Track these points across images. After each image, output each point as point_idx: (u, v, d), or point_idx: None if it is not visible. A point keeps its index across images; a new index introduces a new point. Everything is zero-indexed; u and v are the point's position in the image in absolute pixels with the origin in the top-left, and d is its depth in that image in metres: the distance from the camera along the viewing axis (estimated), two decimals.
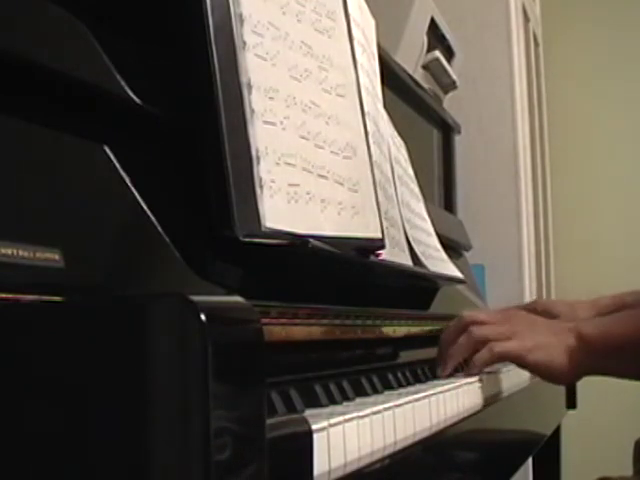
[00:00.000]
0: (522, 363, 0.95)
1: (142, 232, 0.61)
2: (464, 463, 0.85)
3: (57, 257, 0.50)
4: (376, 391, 0.79)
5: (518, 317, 1.02)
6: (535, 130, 2.61)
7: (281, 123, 0.75)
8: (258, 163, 0.71)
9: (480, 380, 0.94)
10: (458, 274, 1.29)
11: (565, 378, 0.98)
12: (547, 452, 1.65)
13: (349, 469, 0.55)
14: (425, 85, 1.77)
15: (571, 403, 1.57)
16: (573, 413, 1.60)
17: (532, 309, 1.20)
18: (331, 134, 0.84)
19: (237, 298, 0.44)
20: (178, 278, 0.62)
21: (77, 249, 0.53)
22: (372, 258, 0.90)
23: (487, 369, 0.98)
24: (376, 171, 0.95)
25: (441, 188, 1.84)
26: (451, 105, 2.01)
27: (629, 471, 1.37)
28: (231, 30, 0.72)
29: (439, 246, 1.29)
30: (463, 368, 1.00)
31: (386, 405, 0.64)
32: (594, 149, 3.03)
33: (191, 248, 0.64)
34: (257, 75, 0.73)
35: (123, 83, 0.64)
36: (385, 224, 0.95)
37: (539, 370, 0.96)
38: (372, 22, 1.11)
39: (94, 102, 0.62)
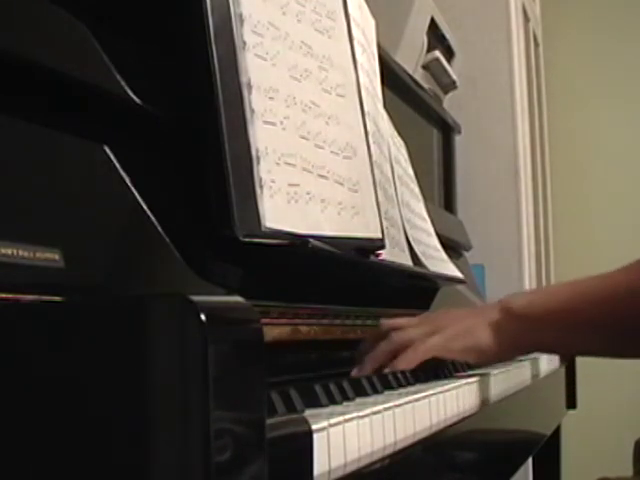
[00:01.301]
0: (449, 354, 0.90)
1: (142, 232, 0.61)
2: (464, 463, 0.85)
3: (57, 257, 0.50)
4: (376, 391, 0.79)
5: (439, 315, 0.97)
6: (535, 130, 2.61)
7: (281, 123, 0.75)
8: (258, 163, 0.71)
9: (480, 380, 0.94)
10: (458, 274, 1.29)
11: (496, 356, 0.93)
12: (547, 452, 1.65)
13: (349, 469, 0.55)
14: (425, 85, 1.77)
15: (571, 403, 1.57)
16: (573, 413, 1.59)
17: None
18: (331, 134, 0.84)
19: (237, 298, 0.44)
20: (178, 278, 0.62)
21: (77, 249, 0.53)
22: (372, 258, 0.90)
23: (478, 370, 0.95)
24: (376, 171, 0.95)
25: (441, 188, 1.84)
26: (451, 105, 2.01)
27: (629, 471, 1.37)
28: (231, 30, 0.72)
29: (439, 246, 1.29)
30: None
31: (386, 405, 0.64)
32: (594, 149, 3.03)
33: (191, 248, 0.64)
34: (257, 75, 0.73)
35: (123, 83, 0.64)
36: (385, 224, 0.95)
37: (468, 355, 0.91)
38: (372, 22, 1.11)
39: (94, 102, 0.62)
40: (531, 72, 2.59)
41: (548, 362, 1.40)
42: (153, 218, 0.62)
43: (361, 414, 0.58)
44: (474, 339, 0.90)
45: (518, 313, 0.90)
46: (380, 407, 0.62)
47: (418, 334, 0.90)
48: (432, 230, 1.28)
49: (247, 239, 0.66)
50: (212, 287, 0.64)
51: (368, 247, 0.89)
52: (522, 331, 0.90)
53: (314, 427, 0.50)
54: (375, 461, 0.59)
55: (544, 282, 2.62)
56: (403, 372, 0.91)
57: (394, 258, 1.00)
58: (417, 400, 0.70)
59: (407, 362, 0.88)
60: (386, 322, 0.94)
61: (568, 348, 0.95)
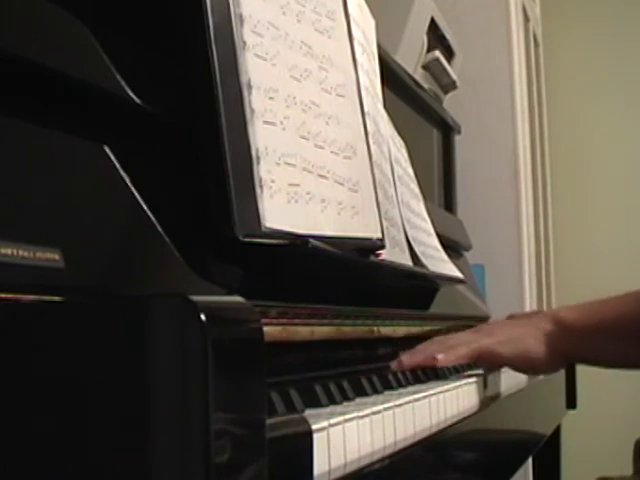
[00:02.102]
0: (498, 359, 0.92)
1: (142, 232, 0.61)
2: (464, 463, 0.85)
3: (57, 257, 0.50)
4: (376, 391, 0.79)
5: (490, 324, 0.99)
6: (535, 130, 2.61)
7: (281, 123, 0.75)
8: (258, 163, 0.71)
9: (480, 380, 0.94)
10: (458, 274, 1.29)
11: (544, 366, 0.94)
12: (547, 452, 1.65)
13: (349, 469, 0.55)
14: (425, 85, 1.77)
15: (571, 403, 1.57)
16: (573, 413, 1.59)
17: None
18: (331, 134, 0.84)
19: (237, 298, 0.44)
20: (178, 278, 0.62)
21: (77, 249, 0.53)
22: (372, 258, 0.90)
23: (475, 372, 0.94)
24: (376, 171, 0.95)
25: (441, 188, 1.84)
26: (451, 105, 2.01)
27: (629, 471, 1.37)
28: (231, 30, 0.72)
29: (439, 246, 1.29)
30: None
31: (386, 405, 0.64)
32: (594, 149, 3.03)
33: (191, 248, 0.64)
34: (257, 75, 0.73)
35: (123, 83, 0.64)
36: (385, 224, 0.95)
37: (517, 362, 0.92)
38: (372, 22, 1.11)
39: (94, 102, 0.62)
40: (531, 72, 2.59)
41: None
42: (153, 218, 0.62)
43: (361, 414, 0.58)
44: (524, 346, 0.91)
45: (569, 325, 0.91)
46: (380, 407, 0.62)
47: (468, 337, 0.92)
48: (432, 230, 1.28)
49: (247, 239, 0.66)
50: (212, 287, 0.64)
51: (368, 247, 0.89)
52: (573, 343, 0.91)
53: (314, 427, 0.50)
54: (375, 461, 0.60)
55: (544, 282, 2.62)
56: (403, 372, 0.91)
57: (394, 258, 1.00)
58: (417, 400, 0.70)
59: (456, 355, 0.89)
60: (437, 338, 0.96)
61: (619, 361, 0.95)
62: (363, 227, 0.87)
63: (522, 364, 0.93)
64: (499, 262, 2.18)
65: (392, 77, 1.38)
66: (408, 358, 0.89)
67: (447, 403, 0.78)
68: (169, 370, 0.38)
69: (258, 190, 0.70)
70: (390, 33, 1.61)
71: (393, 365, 0.88)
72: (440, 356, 0.88)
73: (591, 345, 0.92)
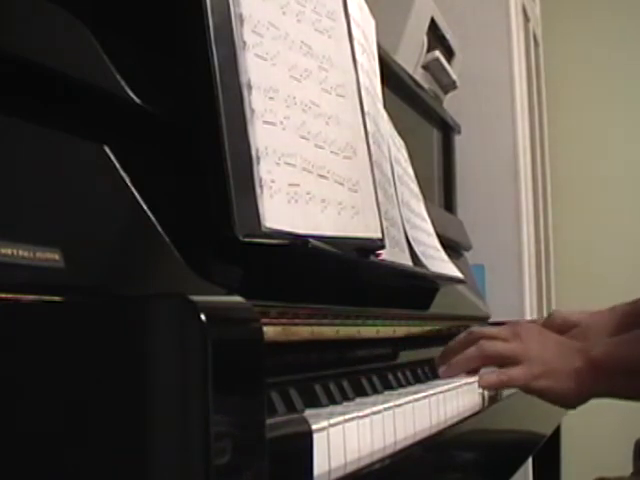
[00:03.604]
0: (527, 390, 0.95)
1: (142, 232, 0.61)
2: (464, 463, 0.85)
3: (57, 257, 0.50)
4: (376, 391, 0.79)
5: (529, 333, 0.99)
6: (535, 130, 2.61)
7: (281, 123, 0.75)
8: (258, 163, 0.71)
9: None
10: (458, 274, 1.29)
11: (571, 403, 0.97)
12: (547, 452, 1.65)
13: (349, 469, 0.55)
14: (425, 85, 1.77)
15: None
16: (573, 413, 1.59)
17: (549, 322, 1.19)
18: (331, 134, 0.84)
19: (237, 298, 0.44)
20: (178, 278, 0.62)
21: (77, 249, 0.53)
22: (372, 258, 0.90)
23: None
24: (376, 171, 0.95)
25: (441, 188, 1.84)
26: (451, 105, 2.01)
27: (629, 471, 1.37)
28: (231, 30, 0.72)
29: (439, 246, 1.29)
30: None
31: (386, 405, 0.64)
32: (594, 149, 3.03)
33: (191, 248, 0.64)
34: (257, 75, 0.73)
35: (123, 83, 0.64)
36: (385, 224, 0.95)
37: (545, 397, 0.95)
38: (372, 22, 1.11)
39: (94, 102, 0.62)
40: (531, 72, 2.59)
41: None
42: (153, 218, 0.62)
43: (361, 414, 0.58)
44: (556, 383, 0.93)
45: (603, 367, 0.93)
46: (380, 407, 0.62)
47: (506, 352, 0.95)
48: (432, 230, 1.28)
49: (247, 239, 0.66)
50: (212, 287, 0.64)
51: (368, 247, 0.89)
52: (603, 383, 0.93)
53: (314, 427, 0.50)
54: (375, 461, 0.59)
55: (544, 282, 2.62)
56: (403, 372, 0.91)
57: (394, 258, 1.00)
58: (417, 400, 0.70)
59: (488, 384, 0.93)
60: (478, 329, 1.00)
61: None
62: (363, 227, 0.87)
63: (550, 399, 0.96)
64: (499, 262, 2.18)
65: (392, 77, 1.38)
66: (448, 369, 0.95)
67: (447, 403, 0.78)
68: (169, 370, 0.38)
69: (258, 190, 0.70)
70: (390, 33, 1.61)
71: (440, 371, 0.95)
72: (482, 383, 0.93)
73: (621, 384, 0.95)
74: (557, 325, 1.15)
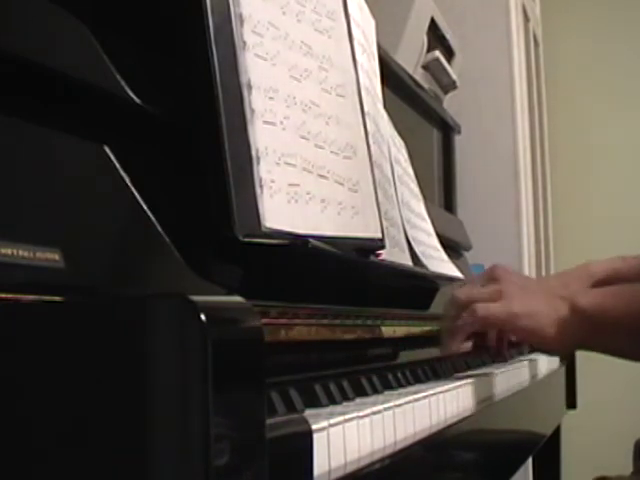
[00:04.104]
0: (510, 328, 0.92)
1: (142, 232, 0.61)
2: (464, 463, 0.85)
3: (57, 257, 0.50)
4: (376, 391, 0.79)
5: (507, 274, 0.98)
6: (535, 130, 2.61)
7: (281, 123, 0.75)
8: (258, 163, 0.71)
9: (480, 380, 0.94)
10: (458, 274, 1.29)
11: (555, 347, 0.94)
12: (547, 452, 1.65)
13: (349, 469, 0.55)
14: (425, 85, 1.77)
15: (571, 403, 1.57)
16: (573, 413, 1.60)
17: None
18: (331, 134, 0.84)
19: (237, 298, 0.44)
20: (178, 278, 0.62)
21: (77, 249, 0.53)
22: (372, 258, 0.90)
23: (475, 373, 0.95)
24: (376, 171, 0.95)
25: (441, 188, 1.84)
26: (451, 105, 2.01)
27: (629, 472, 1.37)
28: (231, 30, 0.72)
29: (439, 246, 1.29)
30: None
31: (386, 405, 0.64)
32: (594, 149, 3.03)
33: (191, 248, 0.64)
34: (257, 75, 0.73)
35: (123, 83, 0.64)
36: (385, 224, 0.95)
37: (529, 336, 0.92)
38: (372, 22, 1.11)
39: (94, 102, 0.62)
40: (531, 72, 2.59)
41: (548, 362, 1.40)
42: (153, 218, 0.62)
43: (361, 414, 0.58)
44: (539, 325, 0.90)
45: (588, 314, 0.89)
46: (380, 407, 0.62)
47: (484, 295, 0.92)
48: (432, 230, 1.28)
49: (247, 239, 0.66)
50: (212, 287, 0.64)
51: (368, 247, 0.89)
52: (586, 333, 0.90)
53: (314, 427, 0.50)
54: (375, 461, 0.60)
55: None
56: (403, 372, 0.91)
57: (394, 258, 1.00)
58: (417, 400, 0.70)
59: (469, 326, 0.91)
60: (460, 294, 0.96)
61: (632, 355, 0.94)
62: (363, 227, 0.87)
63: (534, 340, 0.93)
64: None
65: (392, 77, 1.38)
66: (452, 339, 0.93)
67: (447, 403, 0.78)
68: (169, 370, 0.38)
69: (258, 190, 0.70)
70: (390, 33, 1.61)
71: (444, 349, 0.95)
72: (453, 343, 0.91)
73: (605, 337, 0.91)
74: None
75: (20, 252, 0.48)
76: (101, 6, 0.67)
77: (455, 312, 0.95)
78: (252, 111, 0.71)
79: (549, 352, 1.01)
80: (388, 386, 0.83)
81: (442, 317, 0.97)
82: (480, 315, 0.90)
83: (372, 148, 0.94)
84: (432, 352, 1.03)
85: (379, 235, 0.90)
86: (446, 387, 0.80)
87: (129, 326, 0.39)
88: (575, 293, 0.93)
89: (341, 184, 0.84)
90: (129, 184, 0.61)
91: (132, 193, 0.61)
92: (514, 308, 0.90)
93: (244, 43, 0.72)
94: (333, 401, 0.70)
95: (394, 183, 1.10)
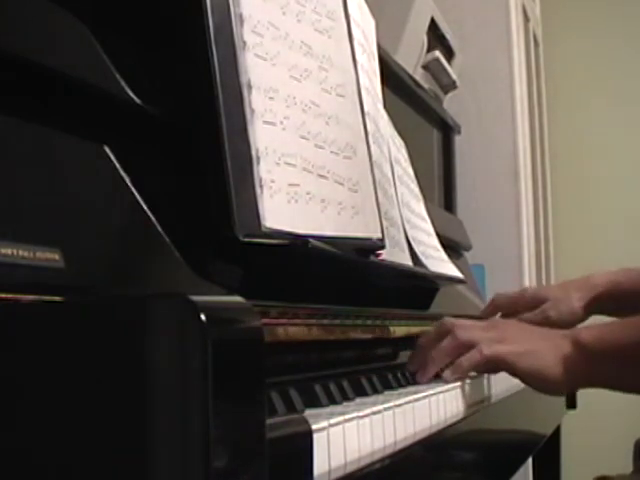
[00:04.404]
0: (512, 370, 0.87)
1: (142, 232, 0.61)
2: (464, 463, 0.85)
3: (57, 257, 0.50)
4: (376, 391, 0.79)
5: (507, 324, 0.94)
6: (535, 130, 2.61)
7: (281, 123, 0.75)
8: (258, 163, 0.71)
9: (480, 380, 0.94)
10: (458, 274, 1.29)
11: (559, 388, 0.90)
12: (547, 452, 1.65)
13: (349, 469, 0.55)
14: (425, 85, 1.77)
15: (571, 403, 1.57)
16: (573, 413, 1.59)
17: (520, 297, 1.16)
18: (331, 134, 0.84)
19: (237, 298, 0.44)
20: (178, 278, 0.62)
21: (77, 249, 0.53)
22: (372, 258, 0.90)
23: (470, 374, 0.90)
24: (376, 171, 0.95)
25: (441, 188, 1.84)
26: (451, 105, 2.01)
27: (629, 472, 1.37)
28: (231, 30, 0.72)
29: (439, 246, 1.29)
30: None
31: (386, 405, 0.64)
32: (594, 149, 3.03)
33: (191, 248, 0.64)
34: (257, 75, 0.73)
35: (123, 83, 0.64)
36: (385, 224, 0.95)
37: (531, 378, 0.88)
38: (372, 22, 1.11)
39: (94, 102, 0.62)
40: (531, 72, 2.59)
41: None
42: (153, 218, 0.62)
43: (361, 414, 0.58)
44: (541, 363, 0.86)
45: (588, 351, 0.86)
46: (380, 407, 0.62)
47: (484, 337, 0.87)
48: (432, 230, 1.28)
49: (247, 239, 0.66)
50: (212, 287, 0.64)
51: (368, 247, 0.88)
52: (591, 369, 0.87)
53: (314, 427, 0.50)
54: (375, 461, 0.59)
55: (544, 282, 2.62)
56: (403, 372, 0.91)
57: (394, 258, 1.00)
58: (417, 400, 0.70)
59: (470, 363, 0.86)
60: (449, 319, 0.91)
61: (636, 388, 0.92)
62: (363, 227, 0.87)
63: (536, 382, 0.88)
64: (499, 262, 2.18)
65: (392, 77, 1.38)
66: (424, 372, 0.87)
67: (447, 403, 0.78)
68: (169, 370, 0.38)
69: (258, 190, 0.70)
70: (390, 33, 1.61)
71: (418, 377, 0.88)
72: (448, 375, 0.85)
73: (609, 372, 0.88)
74: (527, 300, 1.11)
75: (20, 252, 0.48)
76: (101, 6, 0.67)
77: (440, 337, 0.89)
78: (252, 111, 0.71)
79: (552, 394, 0.96)
80: (388, 386, 0.83)
81: (420, 343, 0.91)
82: (486, 354, 0.86)
83: (372, 148, 0.94)
84: None
85: (379, 235, 0.90)
86: (446, 387, 0.80)
87: (129, 326, 0.39)
88: (577, 330, 0.90)
89: (341, 184, 0.84)
90: (129, 184, 0.61)
91: (132, 193, 0.61)
92: (518, 348, 0.87)
93: (244, 43, 0.72)
94: (333, 401, 0.70)
95: (394, 183, 1.10)
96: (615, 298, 1.13)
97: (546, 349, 0.87)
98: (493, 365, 0.88)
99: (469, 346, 0.87)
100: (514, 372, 0.88)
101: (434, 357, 0.88)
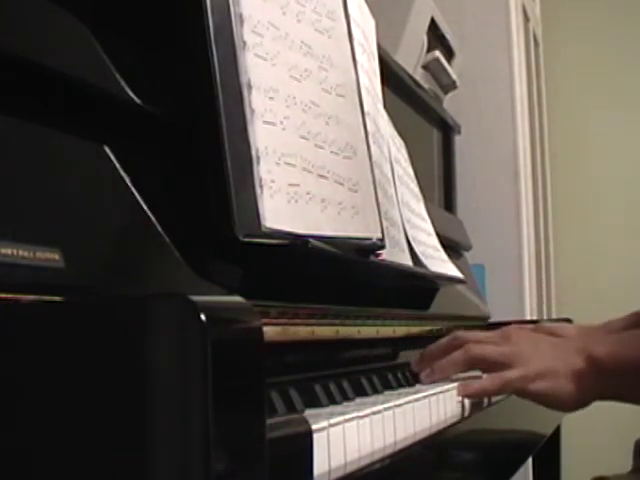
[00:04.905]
0: (524, 394, 0.87)
1: (142, 232, 0.61)
2: (464, 463, 0.85)
3: (57, 257, 0.50)
4: (376, 391, 0.79)
5: (520, 335, 0.93)
6: (535, 130, 2.61)
7: (281, 123, 0.75)
8: (258, 163, 0.71)
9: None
10: (458, 274, 1.29)
11: (572, 406, 0.88)
12: (547, 452, 1.65)
13: (349, 469, 0.55)
14: (425, 85, 1.77)
15: None
16: (573, 413, 1.59)
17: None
18: (331, 134, 0.84)
19: (237, 298, 0.44)
20: (178, 278, 0.62)
21: (77, 249, 0.53)
22: (372, 258, 0.90)
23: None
24: (376, 171, 0.95)
25: (441, 188, 1.84)
26: (451, 105, 2.01)
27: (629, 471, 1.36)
28: (231, 30, 0.72)
29: (439, 246, 1.29)
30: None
31: (386, 405, 0.64)
32: (594, 149, 3.03)
33: (191, 248, 0.64)
34: (257, 75, 0.73)
35: (123, 83, 0.64)
36: (385, 224, 0.95)
37: (545, 399, 0.87)
38: (372, 22, 1.11)
39: (94, 102, 0.62)
40: (531, 72, 2.59)
41: None
42: (153, 218, 0.62)
43: (361, 414, 0.58)
44: (555, 385, 0.86)
45: (604, 366, 0.86)
46: (380, 407, 0.62)
47: (495, 354, 0.88)
48: (432, 230, 1.28)
49: (247, 239, 0.66)
50: (212, 287, 0.64)
51: (368, 247, 0.89)
52: (605, 384, 0.86)
53: (314, 427, 0.50)
54: (375, 461, 0.59)
55: (544, 282, 2.62)
56: (403, 372, 0.91)
57: (394, 258, 1.00)
58: (417, 400, 0.70)
59: (482, 390, 0.86)
60: (462, 333, 0.92)
61: None
62: (363, 227, 0.87)
63: (550, 402, 0.88)
64: (499, 262, 2.18)
65: (392, 77, 1.38)
66: (429, 374, 0.88)
67: (447, 403, 0.78)
68: (169, 370, 0.38)
69: (258, 190, 0.70)
70: (390, 33, 1.61)
71: (422, 377, 0.89)
72: (461, 390, 0.84)
73: (623, 385, 0.87)
74: None
75: (20, 252, 0.48)
76: (101, 6, 0.67)
77: (451, 349, 0.90)
78: (252, 111, 0.71)
79: (565, 411, 0.95)
80: (388, 386, 0.83)
81: (430, 350, 0.92)
82: (497, 384, 0.86)
83: (372, 148, 0.94)
84: None
85: (379, 235, 0.90)
86: (446, 387, 0.80)
87: (129, 326, 0.39)
88: (590, 343, 0.89)
89: (341, 184, 0.84)
90: (129, 184, 0.61)
91: (132, 193, 0.61)
92: (529, 372, 0.86)
93: (244, 43, 0.72)
94: (333, 401, 0.70)
95: (394, 183, 1.10)
96: None
97: (558, 368, 0.86)
98: (504, 390, 0.88)
99: (479, 363, 0.88)
100: (527, 396, 0.87)
101: (442, 366, 0.88)
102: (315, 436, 0.50)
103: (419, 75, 1.78)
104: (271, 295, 0.70)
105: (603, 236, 2.96)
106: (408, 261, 1.08)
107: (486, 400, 0.91)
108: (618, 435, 2.08)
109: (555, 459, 1.75)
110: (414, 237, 1.15)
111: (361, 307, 0.89)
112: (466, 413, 0.84)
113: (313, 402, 0.67)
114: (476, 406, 0.88)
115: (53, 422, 0.40)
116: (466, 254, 1.74)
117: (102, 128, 0.61)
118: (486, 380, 0.87)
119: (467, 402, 0.85)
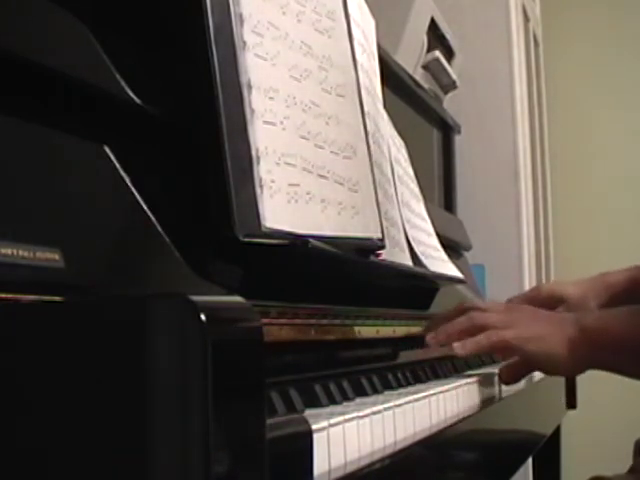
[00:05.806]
0: (520, 353, 0.93)
1: (142, 232, 0.61)
2: (464, 463, 0.84)
3: (57, 257, 0.50)
4: (376, 391, 0.79)
5: (520, 308, 1.01)
6: (535, 130, 2.61)
7: (281, 123, 0.75)
8: (258, 163, 0.71)
9: (480, 380, 0.94)
10: (458, 274, 1.29)
11: (565, 369, 0.95)
12: (547, 452, 1.65)
13: (349, 469, 0.55)
14: (425, 85, 1.77)
15: (571, 403, 1.57)
16: (573, 413, 1.59)
17: (535, 295, 1.18)
18: (331, 134, 0.84)
19: (237, 298, 0.44)
20: (178, 278, 0.62)
21: (77, 249, 0.53)
22: (372, 258, 0.90)
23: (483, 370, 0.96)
24: (376, 171, 0.95)
25: (441, 188, 1.84)
26: (451, 105, 2.01)
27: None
28: (231, 30, 0.72)
29: (439, 246, 1.29)
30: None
31: (386, 405, 0.64)
32: (594, 149, 3.03)
33: (191, 248, 0.64)
34: (257, 75, 0.73)
35: (123, 83, 0.64)
36: (385, 224, 0.95)
37: (538, 360, 0.93)
38: (372, 22, 1.11)
39: (94, 102, 0.62)
40: (531, 72, 2.59)
41: None
42: (153, 218, 0.62)
43: (361, 414, 0.58)
44: (548, 347, 0.92)
45: (595, 335, 0.91)
46: (380, 407, 0.62)
47: (496, 320, 0.94)
48: (432, 230, 1.28)
49: (247, 239, 0.66)
50: (212, 287, 0.64)
51: (368, 247, 0.89)
52: (598, 353, 0.92)
53: (314, 427, 0.50)
54: (375, 461, 0.59)
55: (544, 282, 2.62)
56: (403, 372, 0.91)
57: (394, 258, 1.00)
58: (417, 400, 0.70)
59: (477, 345, 0.92)
60: (468, 302, 1.00)
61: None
62: (363, 227, 0.87)
63: (543, 363, 0.94)
64: (499, 262, 2.18)
65: (392, 77, 1.38)
66: (435, 336, 0.95)
67: (447, 403, 0.78)
68: (169, 370, 0.38)
69: (258, 190, 0.70)
70: (390, 33, 1.61)
71: (428, 337, 0.96)
72: (458, 347, 0.92)
73: (608, 356, 0.93)
74: (543, 299, 1.14)
75: (20, 252, 0.48)
76: (101, 6, 0.67)
77: (457, 315, 0.97)
78: (252, 111, 0.71)
79: (559, 374, 1.02)
80: (388, 386, 0.83)
81: (439, 316, 1.01)
82: (493, 340, 0.92)
83: (372, 148, 0.94)
84: (432, 352, 1.03)
85: (379, 235, 0.90)
86: (446, 387, 0.80)
87: (129, 326, 0.39)
88: (582, 315, 0.96)
89: (341, 184, 0.84)
90: (129, 184, 0.61)
91: (132, 193, 0.61)
92: (525, 333, 0.92)
93: (244, 43, 0.72)
94: (333, 401, 0.70)
95: (394, 183, 1.10)
96: (633, 295, 1.14)
97: (552, 333, 0.93)
98: (501, 349, 0.95)
99: (480, 329, 0.93)
100: (522, 356, 0.94)
101: (447, 329, 0.95)
102: (315, 436, 0.50)
103: (419, 75, 1.78)
104: (271, 295, 0.70)
105: (603, 236, 2.96)
106: (408, 261, 1.08)
107: (486, 400, 0.91)
108: (618, 435, 2.08)
109: (555, 459, 1.75)
110: (414, 237, 1.15)
111: (361, 307, 0.89)
112: (466, 413, 0.84)
113: (313, 402, 0.67)
114: (476, 406, 0.88)
115: (53, 422, 0.40)
116: (466, 254, 1.74)
117: (102, 128, 0.61)
118: (482, 336, 0.92)
119: (467, 402, 0.85)
